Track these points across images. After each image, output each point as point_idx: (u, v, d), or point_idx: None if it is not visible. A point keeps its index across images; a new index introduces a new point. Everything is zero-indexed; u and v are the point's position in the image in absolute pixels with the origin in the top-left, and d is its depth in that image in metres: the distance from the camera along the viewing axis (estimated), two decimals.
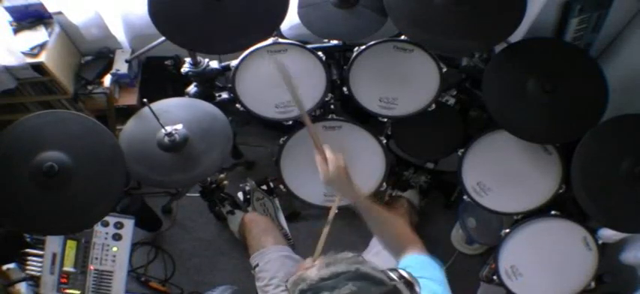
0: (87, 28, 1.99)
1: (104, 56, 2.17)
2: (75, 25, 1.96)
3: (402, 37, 1.71)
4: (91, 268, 1.66)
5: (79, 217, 1.38)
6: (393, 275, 0.87)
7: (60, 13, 1.94)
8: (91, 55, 2.19)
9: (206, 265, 2.17)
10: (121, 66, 2.11)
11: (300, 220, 2.22)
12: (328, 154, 1.24)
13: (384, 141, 1.82)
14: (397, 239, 1.26)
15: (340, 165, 1.24)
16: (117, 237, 1.68)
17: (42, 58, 1.89)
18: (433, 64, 1.71)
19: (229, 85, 1.78)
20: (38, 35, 1.92)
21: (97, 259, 1.67)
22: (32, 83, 2.00)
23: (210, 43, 1.56)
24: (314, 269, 0.85)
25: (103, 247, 1.67)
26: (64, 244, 1.65)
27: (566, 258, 1.63)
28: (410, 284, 0.87)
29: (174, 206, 2.26)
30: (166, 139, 1.51)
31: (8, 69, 1.88)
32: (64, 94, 2.07)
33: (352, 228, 2.15)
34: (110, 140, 1.43)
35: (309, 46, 1.75)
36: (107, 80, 2.06)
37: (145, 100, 1.50)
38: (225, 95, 1.87)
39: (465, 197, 1.76)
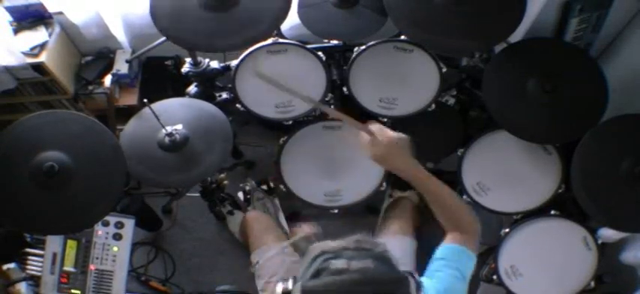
0: (87, 28, 2.00)
1: (104, 56, 2.17)
2: (75, 25, 1.96)
3: (402, 37, 1.71)
4: (92, 267, 1.66)
5: (79, 216, 1.38)
6: (407, 275, 0.89)
7: (60, 13, 1.94)
8: (92, 55, 2.19)
9: (206, 265, 2.17)
10: (121, 66, 2.11)
11: (300, 220, 2.22)
12: (372, 126, 1.14)
13: None
14: (454, 218, 1.16)
15: (390, 136, 1.13)
16: (117, 237, 1.68)
17: (42, 58, 1.89)
18: (433, 64, 1.71)
19: (229, 85, 1.78)
20: (38, 35, 1.92)
21: (97, 258, 1.67)
22: (32, 83, 2.01)
23: (210, 43, 1.56)
24: (341, 241, 0.90)
25: (103, 246, 1.67)
26: (65, 244, 1.65)
27: (566, 258, 1.63)
28: (418, 285, 0.90)
29: (174, 206, 2.25)
30: (167, 139, 1.51)
31: (8, 69, 1.88)
32: (64, 94, 2.07)
33: (353, 227, 2.13)
34: (110, 140, 1.43)
35: (309, 46, 1.75)
36: (107, 80, 2.06)
37: (145, 100, 1.50)
38: (225, 95, 1.87)
39: (464, 197, 1.76)
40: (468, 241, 1.11)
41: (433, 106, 1.75)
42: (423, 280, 1.02)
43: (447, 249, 1.11)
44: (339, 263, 0.83)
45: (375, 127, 1.13)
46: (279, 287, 0.90)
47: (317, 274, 0.84)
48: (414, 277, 0.90)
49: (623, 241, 1.66)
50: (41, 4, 1.90)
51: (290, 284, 0.89)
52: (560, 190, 1.67)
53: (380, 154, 1.12)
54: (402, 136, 1.14)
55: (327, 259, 0.85)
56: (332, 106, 1.85)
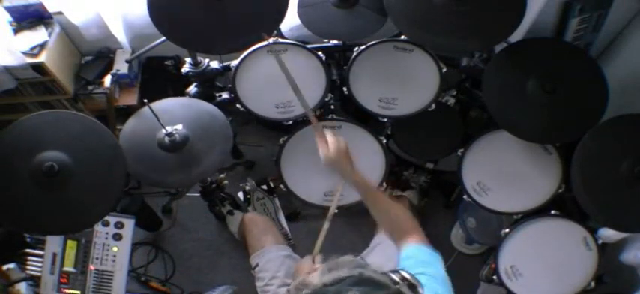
0: (87, 28, 2.00)
1: (104, 56, 2.17)
2: (75, 25, 1.96)
3: (402, 37, 1.71)
4: (92, 267, 1.66)
5: (79, 217, 1.38)
6: (395, 277, 0.86)
7: (60, 13, 1.94)
8: (92, 55, 2.19)
9: (206, 265, 2.17)
10: (121, 66, 2.12)
11: (300, 220, 2.22)
12: (329, 137, 1.32)
13: (384, 141, 1.82)
14: (397, 223, 1.25)
15: (341, 147, 1.31)
16: (117, 237, 1.68)
17: (42, 58, 1.89)
18: (433, 64, 1.72)
19: (229, 85, 1.78)
20: (38, 35, 1.92)
21: (97, 258, 1.67)
22: (32, 83, 2.01)
23: (210, 43, 1.56)
24: (316, 274, 0.85)
25: (103, 246, 1.67)
26: (65, 244, 1.65)
27: (566, 258, 1.63)
28: (413, 286, 0.87)
29: (174, 206, 2.26)
30: (166, 139, 1.51)
31: (8, 69, 1.89)
32: (64, 94, 2.07)
33: (352, 227, 2.15)
34: (110, 140, 1.43)
35: (309, 46, 1.75)
36: (107, 80, 2.06)
37: (145, 100, 1.50)
38: (225, 95, 1.87)
39: (465, 197, 1.76)
40: (421, 239, 1.17)
41: (433, 106, 1.75)
42: None
43: (411, 250, 1.13)
44: None
45: (330, 137, 1.33)
46: None
47: None
48: (406, 278, 0.86)
49: (623, 241, 1.66)
50: (41, 4, 1.90)
51: None
52: (560, 190, 1.67)
53: (331, 158, 1.30)
54: (342, 141, 1.33)
55: None
56: (332, 107, 1.86)
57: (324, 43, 1.82)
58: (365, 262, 0.88)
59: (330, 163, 1.31)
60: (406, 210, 1.35)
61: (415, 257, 1.10)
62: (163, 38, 1.57)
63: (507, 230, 1.67)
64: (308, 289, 0.82)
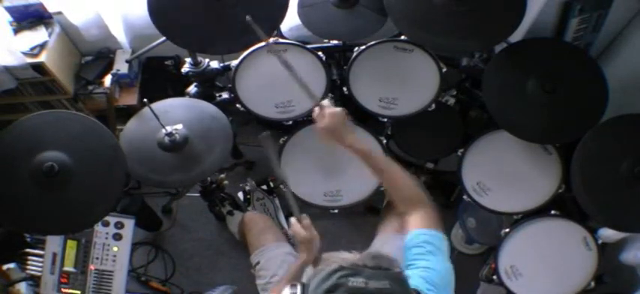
0: (87, 28, 2.00)
1: (104, 56, 2.17)
2: (75, 25, 1.96)
3: (402, 37, 1.71)
4: (92, 267, 1.66)
5: (79, 217, 1.38)
6: None
7: (60, 13, 1.94)
8: (92, 55, 2.19)
9: (206, 265, 2.17)
10: (121, 66, 2.12)
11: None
12: (327, 109, 1.30)
13: (384, 141, 1.82)
14: (404, 193, 1.26)
15: (335, 112, 1.29)
16: (117, 237, 1.68)
17: (42, 58, 1.89)
18: (433, 64, 1.72)
19: (229, 85, 1.78)
20: (38, 35, 1.92)
21: (97, 258, 1.67)
22: (32, 83, 2.01)
23: (210, 43, 1.56)
24: (359, 255, 0.90)
25: (103, 246, 1.67)
26: (65, 244, 1.65)
27: (566, 258, 1.63)
28: None
29: (174, 206, 2.26)
30: (167, 139, 1.51)
31: (8, 69, 1.89)
32: (64, 94, 2.07)
33: (353, 227, 2.15)
34: (110, 140, 1.43)
35: (309, 46, 1.75)
36: (107, 80, 2.06)
37: (145, 100, 1.50)
38: (225, 95, 1.87)
39: (465, 197, 1.76)
40: (431, 220, 1.18)
41: (433, 106, 1.75)
42: (413, 273, 1.04)
43: (420, 235, 1.14)
44: (357, 282, 0.83)
45: (328, 109, 1.30)
46: (287, 291, 0.89)
47: (333, 289, 0.84)
48: None
49: (623, 241, 1.67)
50: (41, 4, 1.90)
51: (298, 290, 0.89)
52: (560, 190, 1.67)
53: (326, 125, 1.28)
54: (338, 109, 1.30)
55: (345, 276, 0.84)
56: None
57: (324, 43, 1.82)
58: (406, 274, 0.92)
59: (328, 131, 1.29)
60: (412, 179, 1.30)
61: (420, 246, 1.12)
62: (163, 38, 1.57)
63: (507, 230, 1.67)
64: (346, 262, 0.87)
